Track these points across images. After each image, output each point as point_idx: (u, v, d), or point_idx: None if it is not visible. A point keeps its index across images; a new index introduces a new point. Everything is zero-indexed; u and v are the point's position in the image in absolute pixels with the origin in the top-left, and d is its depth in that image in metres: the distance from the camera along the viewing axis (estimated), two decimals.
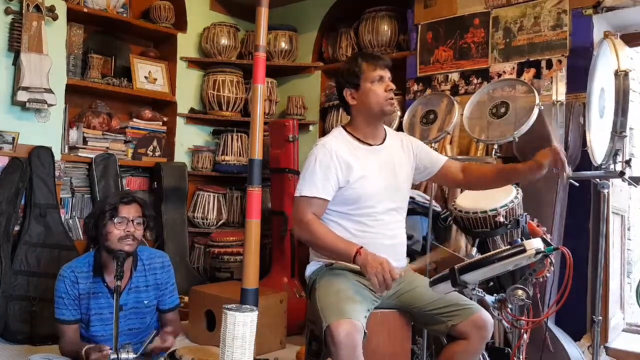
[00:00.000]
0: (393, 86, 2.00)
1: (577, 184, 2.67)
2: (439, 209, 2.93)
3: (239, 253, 3.65)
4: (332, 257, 1.93)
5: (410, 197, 2.51)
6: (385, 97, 1.97)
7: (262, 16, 2.46)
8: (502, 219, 2.17)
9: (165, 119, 4.05)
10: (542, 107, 2.49)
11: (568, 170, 1.83)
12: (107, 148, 3.68)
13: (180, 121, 4.10)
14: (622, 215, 3.05)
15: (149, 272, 2.19)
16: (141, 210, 2.14)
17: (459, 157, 3.12)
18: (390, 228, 2.01)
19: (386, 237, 1.98)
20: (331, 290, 1.85)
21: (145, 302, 2.17)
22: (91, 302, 2.08)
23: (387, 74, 2.00)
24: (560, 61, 2.92)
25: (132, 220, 2.08)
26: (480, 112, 2.70)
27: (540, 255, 1.59)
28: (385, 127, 2.13)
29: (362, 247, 1.82)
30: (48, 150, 3.26)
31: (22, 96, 3.07)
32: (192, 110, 4.15)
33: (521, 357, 1.81)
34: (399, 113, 3.34)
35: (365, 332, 1.70)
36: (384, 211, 1.99)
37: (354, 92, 2.00)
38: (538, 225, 2.37)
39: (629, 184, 2.49)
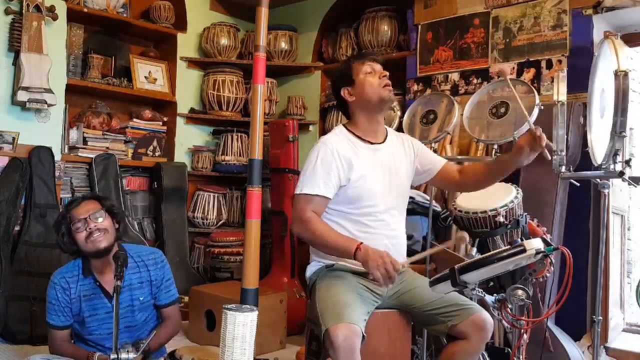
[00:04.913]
0: (386, 72, 2.01)
1: (578, 184, 2.68)
2: (439, 209, 2.93)
3: (239, 253, 3.65)
4: (333, 254, 1.93)
5: (410, 197, 2.52)
6: (380, 83, 1.98)
7: (262, 16, 2.46)
8: (502, 219, 2.17)
9: (165, 119, 4.05)
10: (542, 107, 2.50)
11: (548, 144, 1.75)
12: (107, 148, 3.68)
13: (180, 121, 4.10)
14: (622, 215, 3.05)
15: (142, 268, 2.15)
16: (98, 204, 2.08)
17: (459, 157, 3.13)
18: (391, 228, 2.00)
19: (387, 237, 1.98)
20: (330, 293, 1.85)
21: (141, 298, 2.13)
22: (84, 304, 2.06)
23: (377, 67, 2.02)
24: (560, 61, 2.92)
25: (89, 217, 2.02)
26: (480, 112, 2.70)
27: (540, 255, 1.59)
28: (387, 127, 2.13)
29: (362, 242, 1.82)
30: (48, 150, 3.26)
31: (22, 96, 3.07)
32: (192, 110, 4.15)
33: (521, 357, 1.81)
34: (399, 113, 3.34)
35: (364, 336, 1.70)
36: (385, 210, 1.99)
37: (350, 89, 2.01)
38: (538, 225, 2.38)
39: (629, 184, 2.49)
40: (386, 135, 2.08)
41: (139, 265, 2.15)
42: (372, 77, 1.99)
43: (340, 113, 3.89)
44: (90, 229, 2.00)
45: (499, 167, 1.96)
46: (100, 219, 2.03)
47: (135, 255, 2.16)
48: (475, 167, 2.09)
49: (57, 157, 3.35)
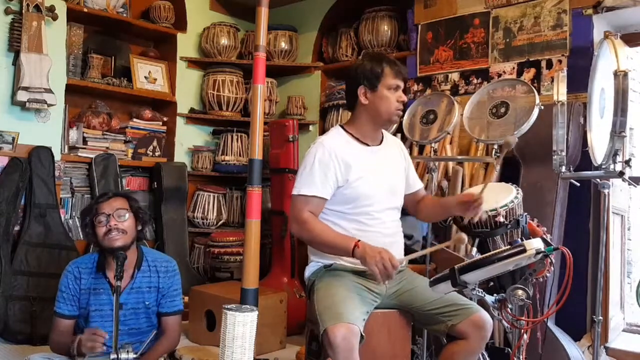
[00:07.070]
0: (405, 98, 2.02)
1: (578, 184, 2.68)
2: None
3: (239, 253, 3.65)
4: (331, 253, 1.94)
5: None
6: (396, 107, 1.99)
7: (262, 16, 2.46)
8: (502, 219, 2.17)
9: (165, 119, 4.05)
10: (542, 107, 2.49)
11: (481, 214, 1.95)
12: (107, 148, 3.68)
13: (180, 121, 4.10)
14: (622, 215, 3.05)
15: (153, 274, 2.17)
16: (126, 203, 2.10)
17: (459, 157, 3.13)
18: (387, 227, 2.02)
19: (384, 236, 1.99)
20: (329, 293, 1.85)
21: (147, 303, 2.15)
22: (92, 297, 2.08)
23: (402, 85, 2.02)
24: (560, 61, 2.92)
25: (113, 214, 2.04)
26: (480, 112, 2.70)
27: (540, 255, 1.59)
28: (383, 130, 2.15)
29: (359, 240, 1.83)
30: (48, 150, 3.26)
31: (22, 96, 3.07)
32: (192, 110, 4.15)
33: (521, 357, 1.81)
34: None
35: (362, 335, 1.70)
36: (381, 210, 2.01)
37: (369, 92, 1.99)
38: (538, 225, 2.37)
39: (629, 184, 2.49)
40: (382, 139, 2.11)
41: (150, 270, 2.17)
42: (392, 95, 1.98)
43: (340, 113, 3.94)
44: (110, 226, 2.02)
45: (442, 211, 2.11)
46: (123, 218, 2.06)
47: (150, 260, 2.18)
48: (431, 202, 2.20)
49: (57, 157, 3.34)
